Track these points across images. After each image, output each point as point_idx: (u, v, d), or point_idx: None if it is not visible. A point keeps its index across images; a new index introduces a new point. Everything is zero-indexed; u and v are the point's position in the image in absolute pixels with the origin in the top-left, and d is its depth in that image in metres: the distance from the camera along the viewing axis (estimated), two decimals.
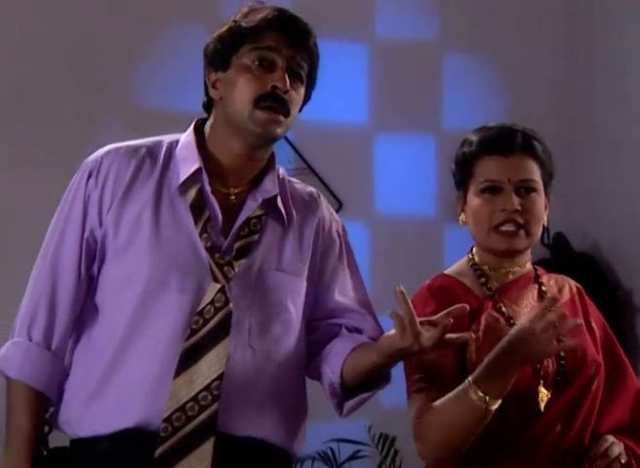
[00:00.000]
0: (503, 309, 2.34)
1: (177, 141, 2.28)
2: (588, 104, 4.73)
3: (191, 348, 2.11)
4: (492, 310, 2.34)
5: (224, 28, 2.25)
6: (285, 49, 2.21)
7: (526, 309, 2.36)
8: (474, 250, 2.43)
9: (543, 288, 2.41)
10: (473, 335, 2.24)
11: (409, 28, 4.72)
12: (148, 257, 2.15)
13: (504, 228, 2.34)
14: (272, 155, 2.31)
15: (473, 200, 2.36)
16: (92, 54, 4.30)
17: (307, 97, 2.31)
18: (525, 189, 2.35)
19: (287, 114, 2.21)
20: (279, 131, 2.21)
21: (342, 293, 2.31)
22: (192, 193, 2.20)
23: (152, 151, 2.25)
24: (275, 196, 2.25)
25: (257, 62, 2.20)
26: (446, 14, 4.74)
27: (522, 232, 2.34)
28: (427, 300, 2.33)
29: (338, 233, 2.35)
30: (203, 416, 2.09)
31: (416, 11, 4.72)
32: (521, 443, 2.27)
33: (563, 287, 2.45)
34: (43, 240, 2.27)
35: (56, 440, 4.21)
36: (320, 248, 2.30)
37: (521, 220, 2.33)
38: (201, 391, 2.10)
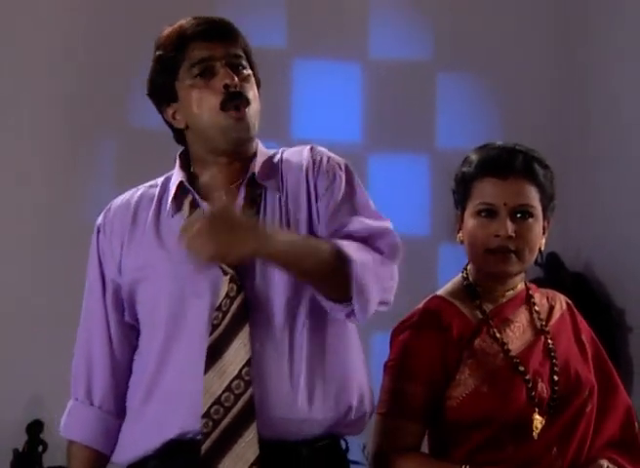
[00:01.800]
0: (497, 335, 2.33)
1: (171, 176, 2.33)
2: (582, 124, 4.74)
3: (215, 342, 2.13)
4: (485, 335, 2.33)
5: (153, 65, 2.27)
6: (215, 51, 2.22)
7: (518, 332, 2.35)
8: (469, 268, 2.42)
9: (536, 308, 2.40)
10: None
11: (402, 49, 4.74)
12: (163, 275, 2.20)
13: (498, 253, 2.32)
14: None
15: (469, 221, 2.35)
16: (89, 72, 4.32)
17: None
18: (521, 214, 2.33)
19: (247, 103, 2.22)
20: (248, 132, 2.23)
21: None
22: (186, 207, 2.24)
23: (148, 190, 2.32)
24: (253, 175, 2.23)
25: (199, 77, 2.21)
26: (439, 34, 4.77)
27: (514, 257, 2.32)
28: (422, 329, 2.33)
29: (328, 174, 2.27)
30: (240, 404, 2.10)
31: (409, 31, 4.75)
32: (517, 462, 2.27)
33: (554, 303, 2.44)
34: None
35: (50, 460, 4.22)
36: (313, 195, 2.25)
37: (513, 247, 2.31)
38: (233, 380, 2.11)
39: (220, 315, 2.14)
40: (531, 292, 2.44)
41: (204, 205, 2.21)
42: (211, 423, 2.11)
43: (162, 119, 2.31)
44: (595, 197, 4.65)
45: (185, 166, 2.30)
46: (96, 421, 2.29)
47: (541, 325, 2.37)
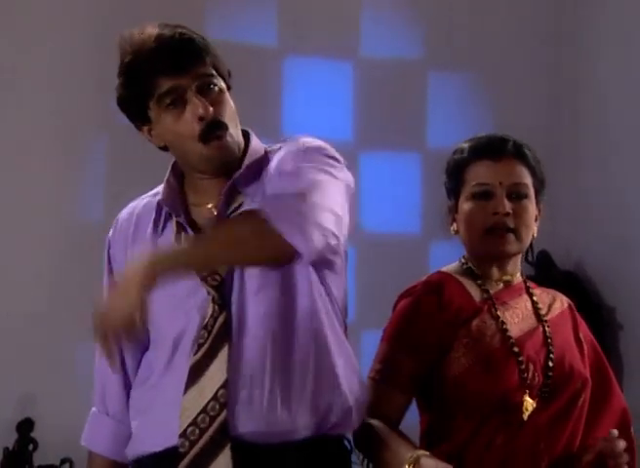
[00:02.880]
0: (498, 313, 2.34)
1: None
2: (574, 123, 4.75)
3: (197, 362, 2.14)
4: (485, 314, 2.34)
5: (121, 80, 2.18)
6: (183, 79, 2.14)
7: (517, 318, 2.37)
8: (465, 257, 2.44)
9: (535, 298, 2.42)
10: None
11: (393, 47, 4.74)
12: (160, 294, 2.17)
13: (496, 232, 2.34)
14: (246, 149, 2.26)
15: (465, 205, 2.37)
16: (78, 70, 4.31)
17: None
18: (517, 195, 2.36)
19: (227, 127, 2.17)
20: (233, 155, 2.19)
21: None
22: (174, 225, 2.23)
23: (151, 200, 2.30)
24: (233, 184, 2.20)
25: (171, 106, 2.15)
26: (430, 32, 4.77)
27: (512, 236, 2.35)
28: (422, 300, 2.34)
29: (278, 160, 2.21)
30: (214, 426, 2.10)
31: (400, 29, 4.75)
32: (504, 456, 2.28)
33: (554, 300, 2.47)
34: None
35: (40, 458, 4.21)
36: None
37: (512, 224, 2.34)
38: (209, 401, 2.11)
39: (206, 334, 2.14)
40: (529, 285, 2.46)
41: (183, 222, 2.20)
42: (187, 443, 2.11)
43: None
44: (586, 196, 4.65)
45: (179, 172, 2.28)
46: (113, 432, 2.31)
47: (541, 314, 2.40)
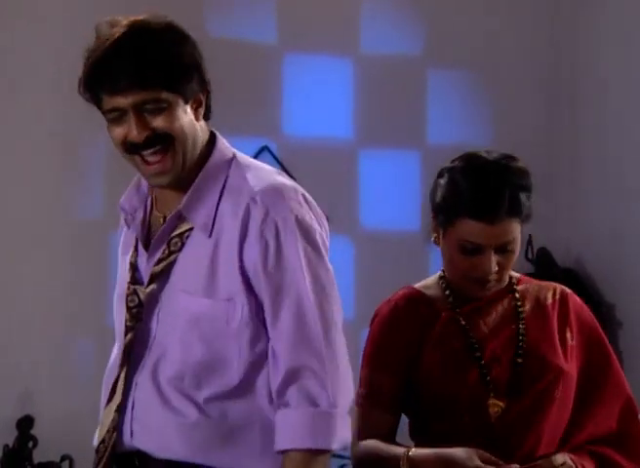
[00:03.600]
0: (462, 321, 2.34)
1: None
2: (573, 121, 4.75)
3: (114, 381, 2.12)
4: (448, 320, 2.35)
5: (82, 75, 2.09)
6: (124, 100, 2.02)
7: (489, 317, 2.36)
8: (444, 272, 2.43)
9: (517, 295, 2.40)
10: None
11: (393, 44, 4.74)
12: (119, 293, 2.18)
13: (479, 282, 2.33)
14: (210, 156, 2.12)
15: (450, 248, 2.34)
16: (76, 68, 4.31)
17: (206, 93, 2.10)
18: (504, 249, 2.31)
19: (166, 149, 2.04)
20: (162, 179, 2.07)
21: (272, 327, 2.05)
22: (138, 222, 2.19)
23: (139, 183, 2.22)
24: (179, 211, 2.07)
25: (112, 122, 2.07)
26: (430, 30, 4.77)
27: (493, 282, 2.34)
28: (388, 320, 2.36)
29: (265, 236, 2.02)
30: (109, 447, 2.09)
31: (400, 27, 4.75)
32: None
33: (541, 292, 2.43)
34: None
35: (40, 456, 4.22)
36: (247, 258, 2.04)
37: (495, 277, 2.33)
38: (112, 421, 2.09)
39: (121, 355, 2.12)
40: (514, 280, 2.42)
41: (137, 228, 2.14)
42: (97, 459, 2.11)
43: None
44: (586, 193, 4.65)
45: None
46: None
47: (519, 311, 2.38)
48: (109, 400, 2.11)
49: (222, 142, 2.15)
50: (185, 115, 2.06)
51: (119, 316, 2.16)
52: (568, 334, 2.40)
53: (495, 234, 2.28)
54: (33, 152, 4.28)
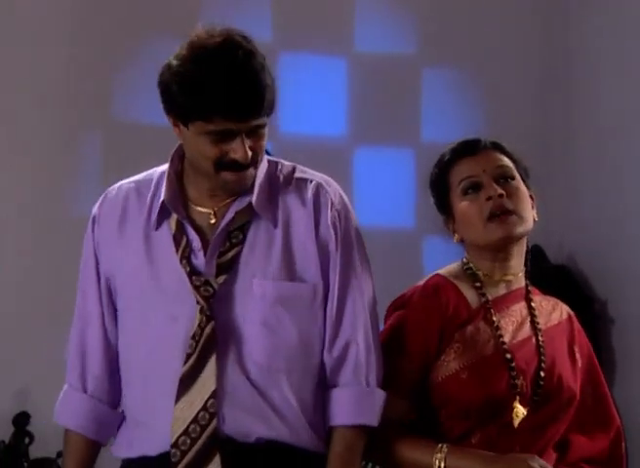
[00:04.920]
0: (494, 318, 2.34)
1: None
2: (565, 117, 4.77)
3: (188, 372, 2.16)
4: (480, 321, 2.33)
5: (176, 83, 2.13)
6: (237, 126, 2.12)
7: (512, 326, 2.36)
8: (467, 258, 2.42)
9: (533, 305, 2.41)
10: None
11: (388, 43, 4.76)
12: (141, 292, 2.22)
13: (497, 217, 2.31)
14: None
15: (459, 205, 2.36)
16: (73, 68, 4.32)
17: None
18: (503, 177, 2.35)
19: (256, 165, 2.20)
20: (246, 183, 2.21)
21: (330, 318, 2.25)
22: (173, 223, 2.23)
23: (140, 187, 2.29)
24: (249, 204, 2.21)
25: (212, 136, 2.13)
26: (424, 29, 4.79)
27: (514, 217, 2.32)
28: (420, 306, 2.34)
29: (334, 226, 2.27)
30: (205, 436, 2.13)
31: (394, 25, 4.77)
32: None
33: (554, 310, 2.45)
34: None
35: (36, 451, 4.23)
36: (321, 244, 2.24)
37: (510, 205, 2.32)
38: (200, 411, 2.14)
39: (194, 344, 2.16)
40: (531, 290, 2.44)
41: (186, 225, 2.21)
42: (178, 453, 2.14)
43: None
44: (578, 190, 4.68)
45: (179, 164, 2.27)
46: (87, 409, 2.29)
47: (536, 323, 2.38)
48: (180, 394, 2.14)
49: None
50: (266, 135, 2.21)
51: (173, 307, 2.18)
52: (577, 355, 2.42)
53: (482, 161, 2.36)
54: (32, 150, 4.29)
